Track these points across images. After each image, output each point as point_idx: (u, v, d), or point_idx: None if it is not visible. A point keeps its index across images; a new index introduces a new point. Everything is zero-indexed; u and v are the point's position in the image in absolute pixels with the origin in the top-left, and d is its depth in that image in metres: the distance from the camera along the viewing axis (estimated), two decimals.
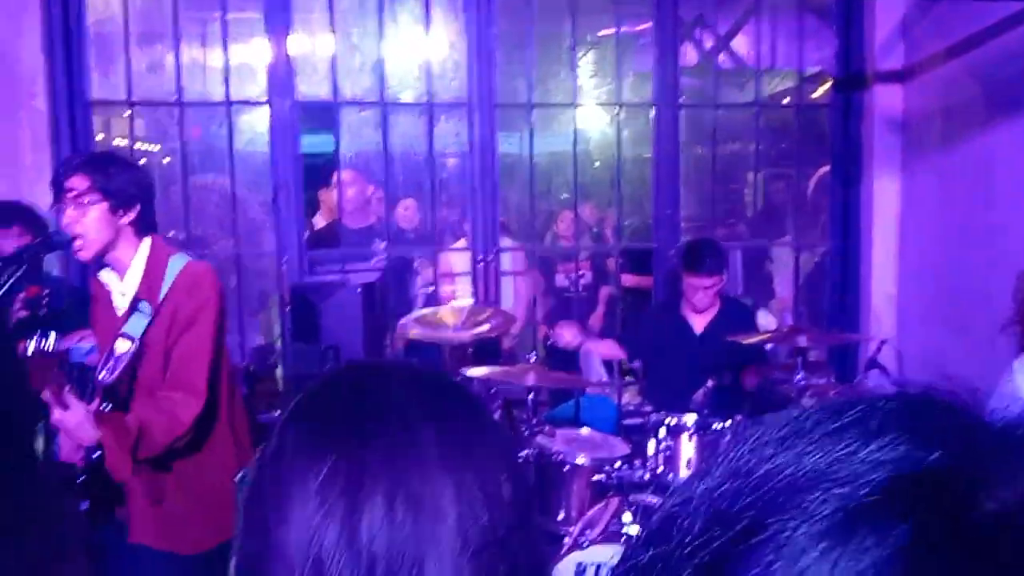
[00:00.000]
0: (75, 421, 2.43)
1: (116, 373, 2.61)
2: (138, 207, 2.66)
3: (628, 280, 5.61)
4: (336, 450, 0.72)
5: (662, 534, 0.40)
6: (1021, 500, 0.33)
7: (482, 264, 4.66)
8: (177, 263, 2.71)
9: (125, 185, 2.64)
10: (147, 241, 2.72)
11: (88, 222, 2.59)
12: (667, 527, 0.40)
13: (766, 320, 4.20)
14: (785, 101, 5.22)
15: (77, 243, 2.61)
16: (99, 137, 4.68)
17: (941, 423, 0.37)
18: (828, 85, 5.02)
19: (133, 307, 2.67)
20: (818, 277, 5.05)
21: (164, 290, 2.67)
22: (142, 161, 5.02)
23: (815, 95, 5.17)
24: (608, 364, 5.02)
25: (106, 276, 2.75)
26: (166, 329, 2.64)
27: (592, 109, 6.58)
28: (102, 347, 2.80)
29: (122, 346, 2.61)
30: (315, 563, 0.69)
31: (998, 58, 3.95)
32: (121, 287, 2.73)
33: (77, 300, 4.02)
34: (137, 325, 2.63)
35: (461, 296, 4.79)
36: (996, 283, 3.98)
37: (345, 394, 0.78)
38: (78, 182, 2.60)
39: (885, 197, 4.69)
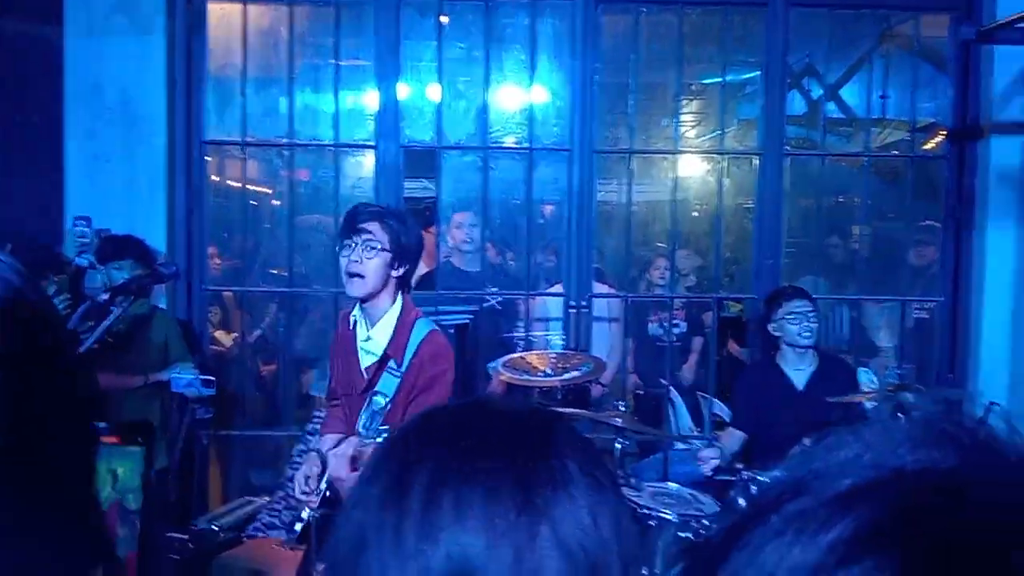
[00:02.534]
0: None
1: (374, 427, 2.83)
2: (408, 266, 2.92)
3: (733, 348, 5.50)
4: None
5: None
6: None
7: (575, 310, 4.65)
8: (422, 328, 2.92)
9: (409, 244, 2.90)
10: (400, 299, 2.93)
11: (372, 266, 2.82)
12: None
13: (868, 379, 4.03)
14: (895, 152, 5.05)
15: (355, 281, 2.84)
16: (214, 178, 4.89)
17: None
18: (941, 136, 4.84)
19: (383, 364, 2.91)
20: (926, 334, 4.82)
21: (409, 353, 2.88)
22: (253, 203, 5.24)
23: (927, 146, 4.99)
24: (697, 417, 4.90)
25: (357, 315, 2.98)
26: (408, 390, 2.85)
27: (692, 157, 6.52)
28: (339, 381, 3.09)
29: (378, 403, 2.86)
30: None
31: None
32: (369, 333, 2.94)
33: (179, 332, 4.20)
34: (389, 384, 2.87)
35: (553, 341, 4.77)
36: None
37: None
38: (376, 228, 2.84)
39: (1000, 252, 4.47)
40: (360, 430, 2.87)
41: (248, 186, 4.84)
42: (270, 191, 5.75)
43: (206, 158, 4.71)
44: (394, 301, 2.92)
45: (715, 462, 3.68)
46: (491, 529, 0.69)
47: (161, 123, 4.48)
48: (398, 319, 2.90)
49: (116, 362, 3.95)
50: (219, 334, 5.30)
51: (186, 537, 3.47)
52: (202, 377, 3.76)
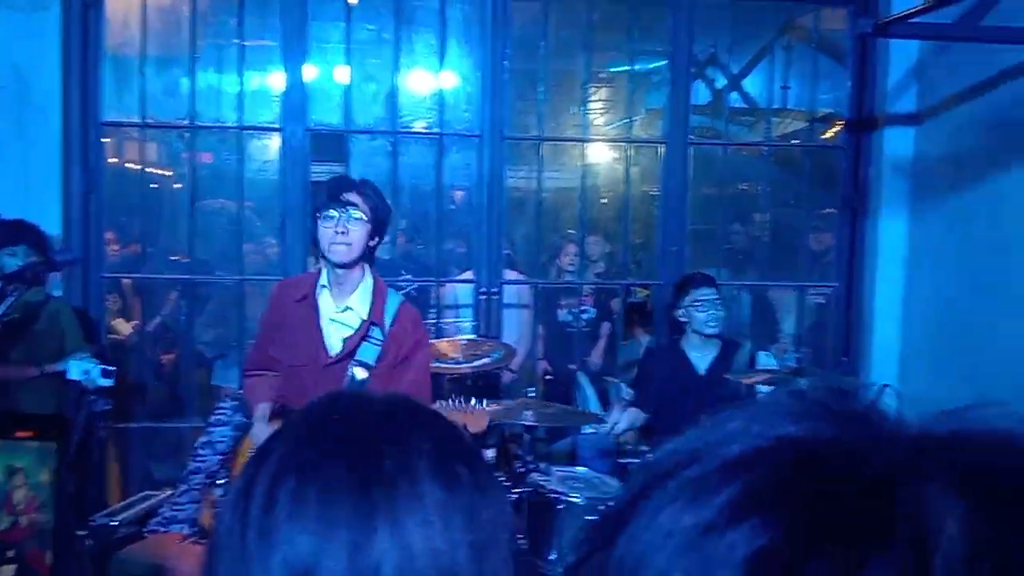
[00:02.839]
0: None
1: None
2: (378, 238, 3.00)
3: (639, 334, 5.60)
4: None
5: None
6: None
7: (485, 297, 4.66)
8: (395, 297, 3.04)
9: (384, 217, 2.99)
10: (369, 270, 3.03)
11: (356, 234, 2.90)
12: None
13: (768, 361, 4.16)
14: (795, 141, 5.20)
15: (341, 248, 2.90)
16: (111, 161, 4.72)
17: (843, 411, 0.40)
18: (839, 127, 5.00)
19: (365, 333, 2.96)
20: (823, 318, 5.00)
21: (387, 321, 2.97)
22: (153, 186, 5.08)
23: (826, 136, 5.15)
24: (605, 402, 4.98)
25: (326, 283, 3.01)
26: (392, 358, 2.94)
27: (601, 144, 6.59)
28: (290, 353, 3.01)
29: (361, 373, 2.91)
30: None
31: (1010, 103, 3.92)
32: (347, 304, 2.99)
33: (76, 321, 4.05)
34: (370, 352, 2.94)
35: (463, 328, 4.78)
36: (1004, 329, 3.93)
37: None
38: (358, 199, 2.91)
39: (892, 240, 4.66)
40: None
41: (148, 169, 4.69)
42: (170, 174, 5.59)
43: (103, 140, 4.54)
44: (364, 272, 3.01)
45: (622, 426, 3.88)
46: (326, 528, 0.68)
47: (56, 102, 4.30)
48: (373, 289, 3.00)
49: (10, 352, 3.80)
50: (118, 323, 5.14)
51: (85, 533, 3.36)
52: (100, 367, 3.63)
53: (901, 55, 4.63)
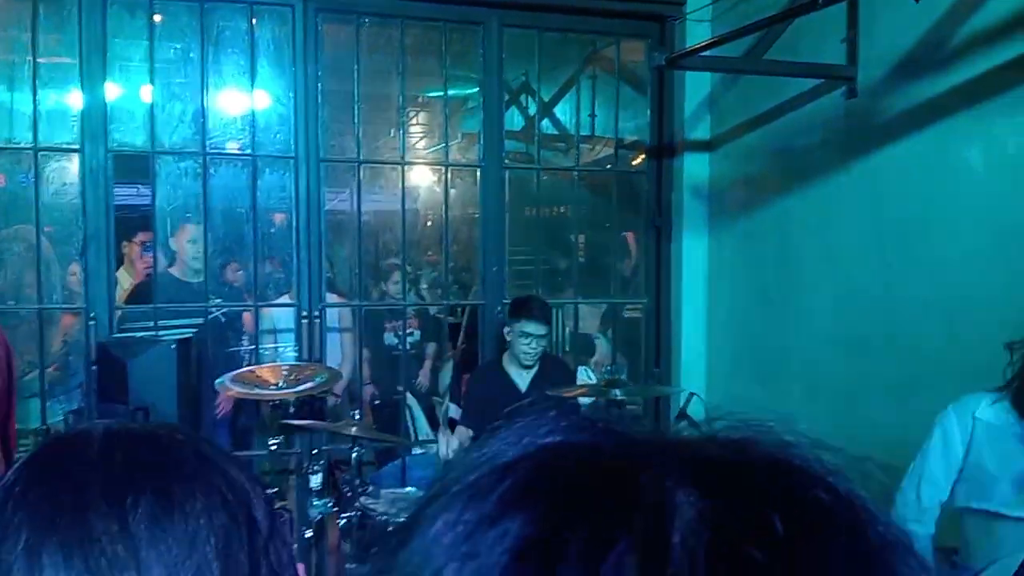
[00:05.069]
0: None
1: None
2: None
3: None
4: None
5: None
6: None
7: (307, 320, 4.58)
8: None
9: None
10: None
11: None
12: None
13: (586, 376, 4.32)
14: (602, 167, 5.45)
15: None
16: None
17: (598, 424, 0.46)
18: (643, 153, 5.29)
19: None
20: (636, 332, 5.25)
21: None
22: None
23: (635, 162, 5.43)
24: (433, 422, 5.01)
25: None
26: None
27: (422, 167, 6.66)
28: None
29: None
30: None
31: (794, 130, 4.29)
32: None
33: None
34: None
35: (284, 353, 4.67)
36: (792, 338, 4.28)
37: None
38: None
39: (694, 258, 4.97)
40: None
41: None
42: None
43: None
44: None
45: (453, 447, 3.94)
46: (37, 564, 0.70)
47: None
48: None
49: None
50: None
51: None
52: None
53: (696, 86, 4.96)
